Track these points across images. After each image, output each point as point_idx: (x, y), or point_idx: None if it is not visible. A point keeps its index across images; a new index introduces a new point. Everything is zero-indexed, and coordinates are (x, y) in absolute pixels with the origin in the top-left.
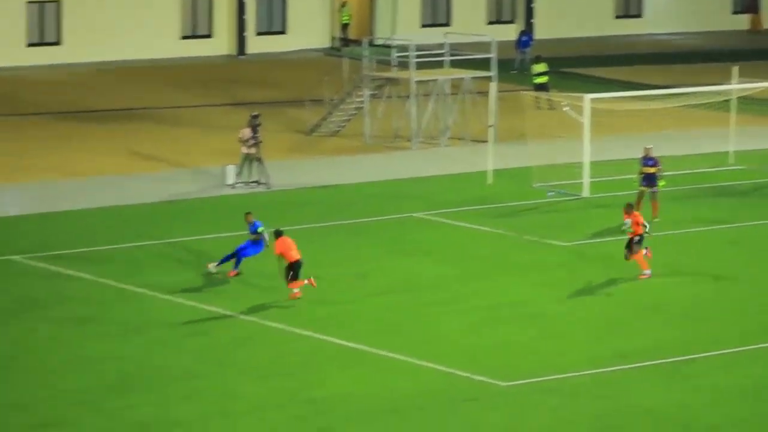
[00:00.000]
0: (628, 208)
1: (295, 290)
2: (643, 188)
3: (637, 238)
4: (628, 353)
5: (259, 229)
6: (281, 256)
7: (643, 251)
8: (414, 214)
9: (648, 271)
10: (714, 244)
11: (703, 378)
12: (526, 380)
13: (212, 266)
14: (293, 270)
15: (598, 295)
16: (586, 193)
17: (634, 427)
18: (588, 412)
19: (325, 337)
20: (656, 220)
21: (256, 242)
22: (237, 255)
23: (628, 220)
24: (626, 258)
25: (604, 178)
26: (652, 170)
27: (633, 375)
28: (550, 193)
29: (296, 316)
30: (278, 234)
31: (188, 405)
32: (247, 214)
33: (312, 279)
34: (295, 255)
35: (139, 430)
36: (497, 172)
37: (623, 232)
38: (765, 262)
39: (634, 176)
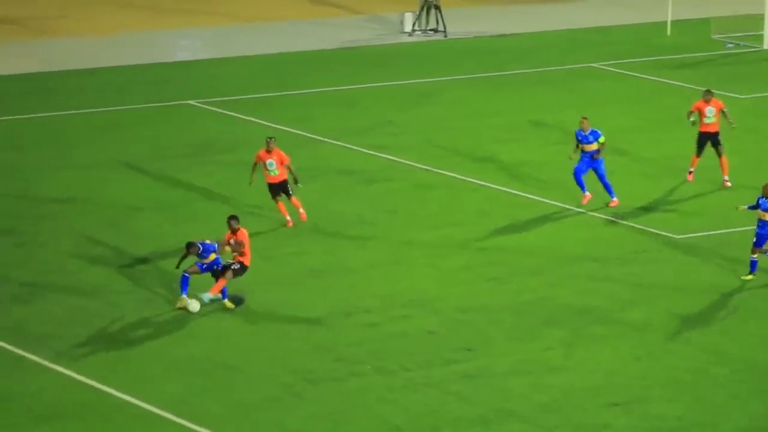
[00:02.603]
0: None
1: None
2: None
3: None
4: None
5: (601, 140)
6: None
7: None
8: (592, 65)
9: None
10: None
11: None
12: (699, 233)
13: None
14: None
15: None
16: (766, 44)
17: None
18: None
19: (499, 188)
20: None
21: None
22: (603, 183)
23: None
24: None
25: None
26: None
27: None
28: (729, 45)
29: (472, 165)
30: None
31: (360, 252)
32: (584, 118)
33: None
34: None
35: (311, 277)
36: (676, 23)
37: None
38: None
39: None
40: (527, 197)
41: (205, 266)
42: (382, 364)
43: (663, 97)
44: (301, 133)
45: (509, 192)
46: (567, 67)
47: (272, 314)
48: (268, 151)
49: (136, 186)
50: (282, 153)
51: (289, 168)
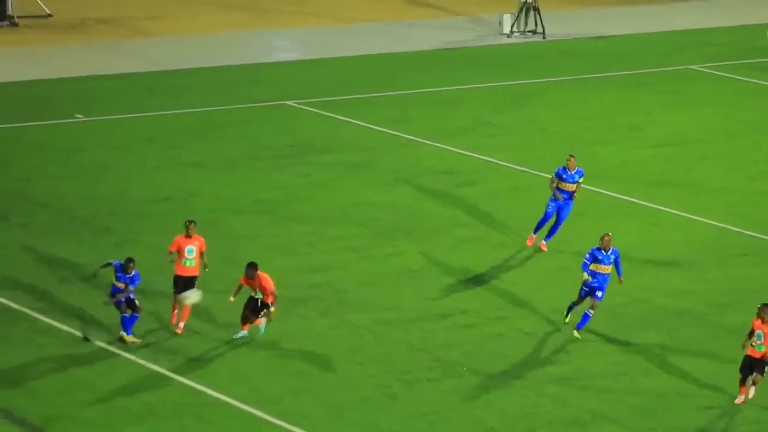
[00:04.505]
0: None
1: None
2: None
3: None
4: None
5: (581, 180)
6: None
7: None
8: (691, 67)
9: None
10: None
11: None
12: None
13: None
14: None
15: None
16: None
17: None
18: None
19: (596, 189)
20: None
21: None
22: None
23: (760, 332)
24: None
25: None
26: None
27: None
28: None
29: None
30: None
31: (456, 253)
32: (571, 156)
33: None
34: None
35: (407, 278)
36: None
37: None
38: None
39: None
40: (624, 199)
41: (121, 298)
42: (478, 365)
43: (762, 99)
44: (398, 134)
45: (606, 194)
46: (666, 69)
47: (368, 315)
48: (188, 237)
49: (233, 186)
50: (202, 239)
51: (202, 254)
